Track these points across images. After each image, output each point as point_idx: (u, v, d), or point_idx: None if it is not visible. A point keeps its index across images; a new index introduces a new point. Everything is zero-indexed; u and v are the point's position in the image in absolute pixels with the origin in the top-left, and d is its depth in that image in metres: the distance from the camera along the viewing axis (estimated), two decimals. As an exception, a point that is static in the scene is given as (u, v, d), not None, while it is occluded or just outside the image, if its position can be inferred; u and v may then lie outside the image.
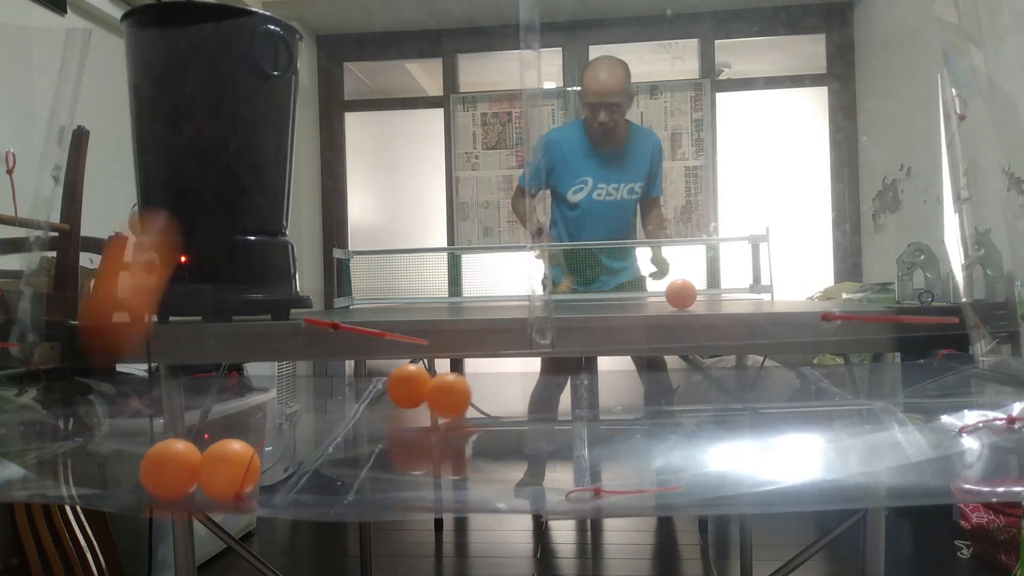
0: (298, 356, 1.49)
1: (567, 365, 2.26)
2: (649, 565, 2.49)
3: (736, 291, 2.16)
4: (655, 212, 2.88)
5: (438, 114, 4.16)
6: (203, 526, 1.15)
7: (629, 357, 2.47)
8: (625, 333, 1.16)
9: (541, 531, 2.79)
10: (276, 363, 3.17)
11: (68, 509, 1.81)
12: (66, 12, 2.66)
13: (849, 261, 3.90)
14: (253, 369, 2.97)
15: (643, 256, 2.84)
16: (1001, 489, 0.72)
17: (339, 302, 2.05)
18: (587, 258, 2.67)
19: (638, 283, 2.78)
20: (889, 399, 1.02)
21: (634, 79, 2.77)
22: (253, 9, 1.35)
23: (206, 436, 0.81)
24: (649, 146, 2.76)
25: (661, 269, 2.65)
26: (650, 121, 3.94)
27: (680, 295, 1.33)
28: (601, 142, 2.67)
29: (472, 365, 3.23)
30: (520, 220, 3.10)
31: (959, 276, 1.18)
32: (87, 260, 1.31)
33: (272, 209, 1.38)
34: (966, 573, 2.32)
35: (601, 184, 2.67)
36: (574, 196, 2.68)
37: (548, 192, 2.75)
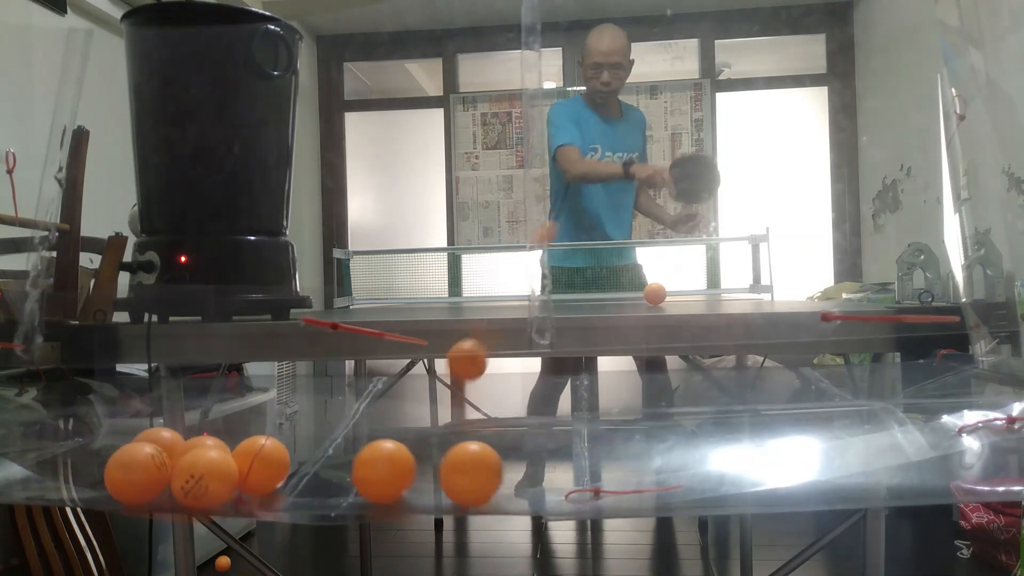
0: (298, 356, 1.49)
1: (567, 365, 2.26)
2: (649, 565, 2.49)
3: (736, 291, 2.16)
4: (643, 189, 2.88)
5: (438, 114, 4.16)
6: (203, 526, 1.15)
7: (630, 356, 2.47)
8: (625, 333, 1.16)
9: (541, 531, 2.79)
10: (276, 363, 3.17)
11: (68, 509, 1.81)
12: (66, 12, 2.66)
13: (849, 261, 3.90)
14: (253, 369, 2.97)
15: (642, 253, 2.84)
16: (1001, 489, 0.72)
17: (339, 302, 2.05)
18: (591, 232, 2.66)
19: (637, 271, 2.77)
20: (889, 399, 1.02)
21: (634, 79, 2.78)
22: (253, 9, 1.35)
23: (205, 435, 0.81)
24: (639, 120, 2.84)
25: (689, 215, 2.58)
26: (650, 121, 3.94)
27: (656, 294, 1.64)
28: (603, 108, 2.68)
29: (472, 365, 3.22)
30: (595, 177, 2.62)
31: (959, 276, 1.18)
32: (87, 260, 1.30)
33: (272, 209, 1.38)
34: (966, 573, 2.31)
35: (608, 152, 2.68)
36: None
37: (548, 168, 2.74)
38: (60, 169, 1.16)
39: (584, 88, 2.72)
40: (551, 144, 2.63)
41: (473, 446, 0.73)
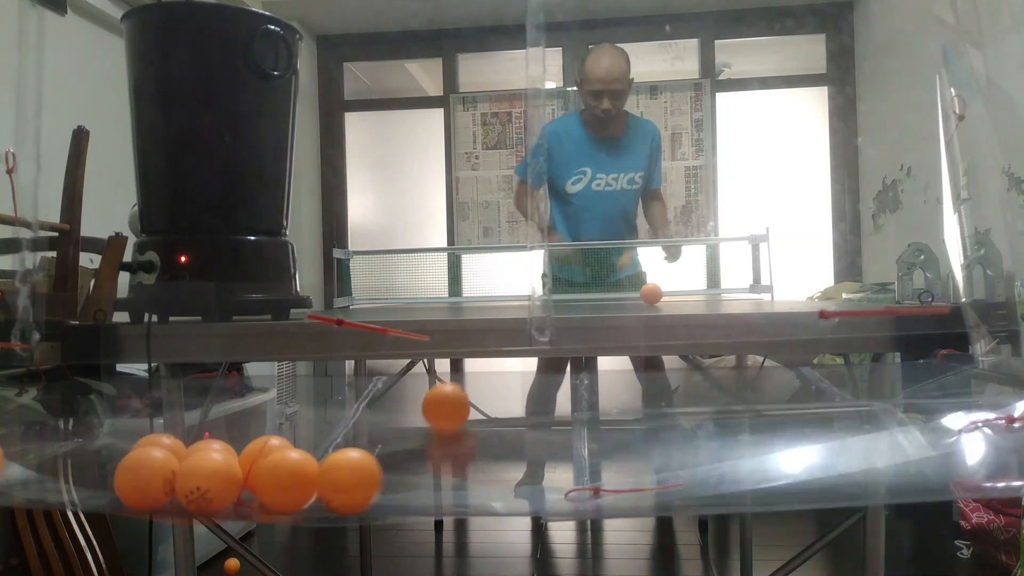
0: (299, 355, 1.49)
1: (563, 363, 2.26)
2: (649, 565, 2.49)
3: (736, 291, 2.16)
4: (657, 204, 2.85)
5: (438, 114, 4.16)
6: (204, 527, 1.15)
7: (627, 357, 2.47)
8: (625, 333, 1.16)
9: (540, 531, 2.79)
10: (276, 363, 3.17)
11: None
12: (66, 12, 2.65)
13: (848, 261, 3.90)
14: (253, 369, 2.97)
15: (643, 252, 2.84)
16: (1000, 484, 0.72)
17: (339, 302, 2.05)
18: (587, 254, 2.66)
19: (638, 279, 2.77)
20: (889, 399, 1.02)
21: (634, 79, 2.78)
22: (253, 9, 1.35)
23: (206, 435, 0.81)
24: (648, 135, 2.74)
25: (672, 253, 2.61)
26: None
27: (653, 294, 1.67)
28: (600, 131, 2.65)
29: (472, 365, 3.23)
30: (523, 215, 3.08)
31: (959, 276, 1.18)
32: (87, 260, 1.31)
33: (272, 209, 1.38)
34: (966, 573, 2.31)
35: (600, 175, 2.66)
36: (573, 187, 2.67)
37: (546, 186, 2.75)
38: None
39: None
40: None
41: (354, 453, 0.73)
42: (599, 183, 2.66)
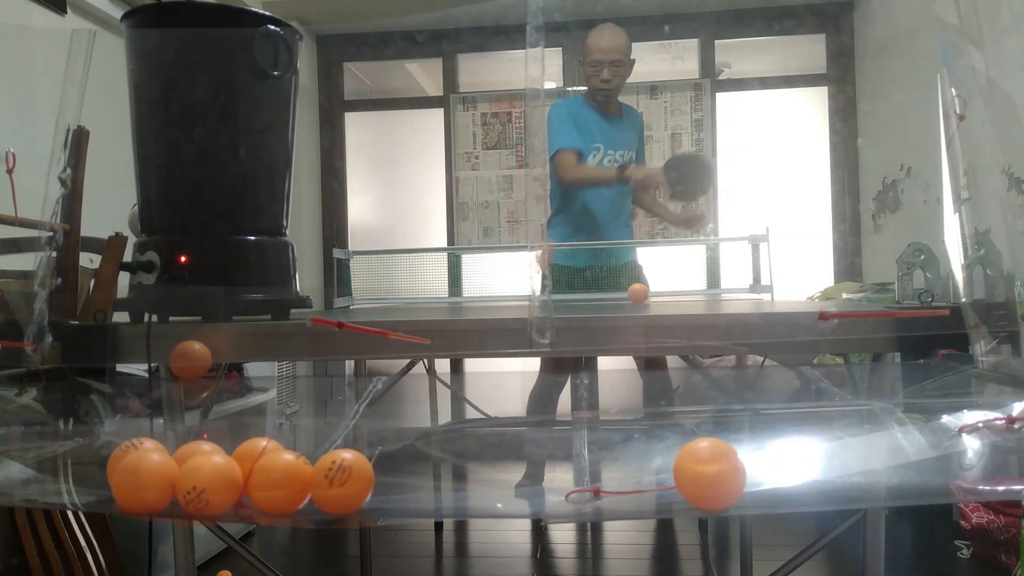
0: (300, 356, 1.49)
1: (566, 365, 2.25)
2: (649, 565, 2.49)
3: (736, 291, 2.16)
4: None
5: (438, 114, 4.16)
6: (204, 527, 1.15)
7: (630, 356, 2.47)
8: (625, 333, 1.16)
9: (540, 531, 2.79)
10: (276, 363, 3.17)
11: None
12: (66, 12, 2.66)
13: (848, 261, 3.90)
14: (253, 369, 2.97)
15: (642, 253, 2.84)
16: (1001, 488, 0.72)
17: (339, 302, 2.05)
18: (591, 233, 2.66)
19: (636, 270, 2.77)
20: (889, 399, 1.02)
21: (634, 79, 2.78)
22: (253, 9, 1.35)
23: (205, 436, 0.81)
24: (637, 119, 2.85)
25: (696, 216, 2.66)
26: (650, 121, 3.94)
27: (639, 293, 1.78)
28: (603, 106, 2.69)
29: (472, 365, 3.23)
30: (589, 182, 2.69)
31: (959, 276, 1.18)
32: (87, 260, 1.31)
33: (272, 209, 1.38)
34: (966, 573, 2.31)
35: (610, 150, 2.70)
36: (592, 161, 2.69)
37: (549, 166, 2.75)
38: (65, 169, 1.17)
39: (584, 88, 2.73)
40: (549, 147, 2.66)
41: (288, 456, 0.73)
42: (610, 159, 2.71)
